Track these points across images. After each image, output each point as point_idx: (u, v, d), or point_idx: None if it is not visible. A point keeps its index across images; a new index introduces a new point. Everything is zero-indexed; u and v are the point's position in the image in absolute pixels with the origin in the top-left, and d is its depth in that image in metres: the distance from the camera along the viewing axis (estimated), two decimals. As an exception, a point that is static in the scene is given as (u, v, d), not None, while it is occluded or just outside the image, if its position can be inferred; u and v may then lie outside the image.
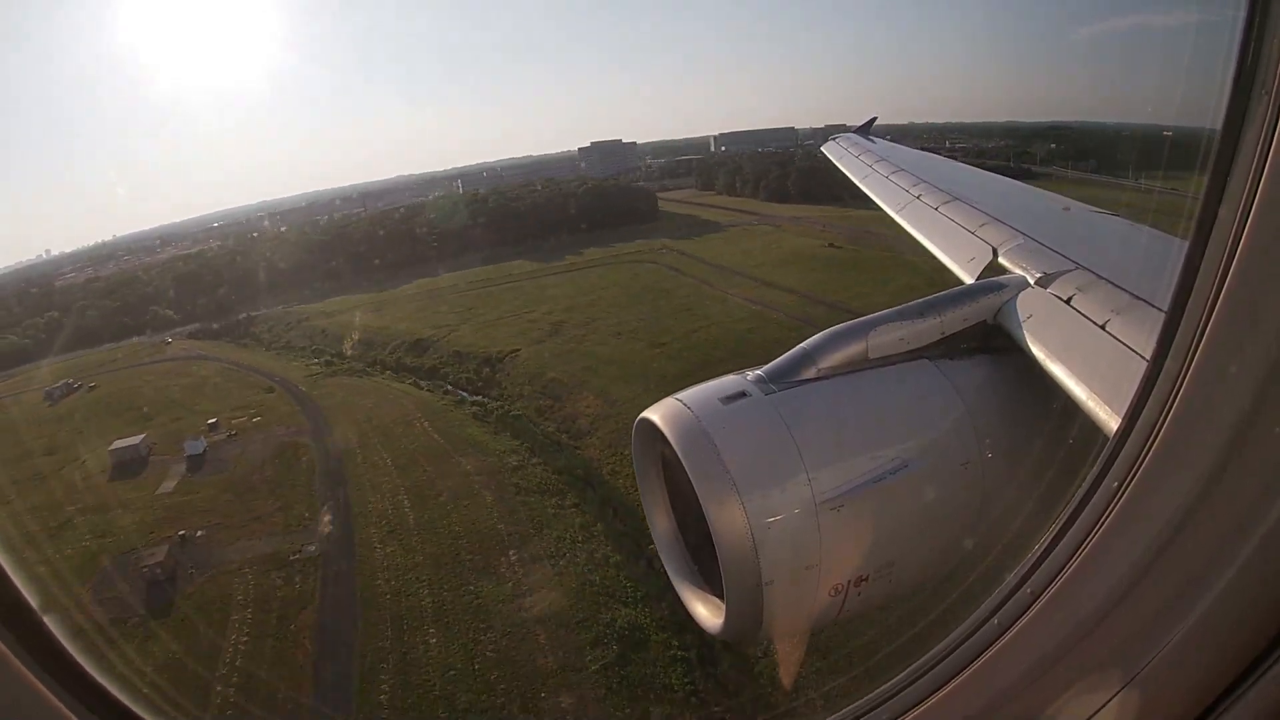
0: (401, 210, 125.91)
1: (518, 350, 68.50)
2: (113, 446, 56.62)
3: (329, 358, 76.37)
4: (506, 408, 58.43)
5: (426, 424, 57.41)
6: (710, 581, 3.60)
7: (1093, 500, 1.86)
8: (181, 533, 45.34)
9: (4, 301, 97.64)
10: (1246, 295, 1.52)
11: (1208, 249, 1.61)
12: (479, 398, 62.23)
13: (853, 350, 3.62)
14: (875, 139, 11.60)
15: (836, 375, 3.58)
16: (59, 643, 1.83)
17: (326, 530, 44.60)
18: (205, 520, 46.84)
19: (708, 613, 3.54)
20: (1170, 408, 1.66)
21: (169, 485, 52.38)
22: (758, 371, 3.61)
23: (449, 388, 65.46)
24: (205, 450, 55.96)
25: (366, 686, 31.73)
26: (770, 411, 3.40)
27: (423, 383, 66.80)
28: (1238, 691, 1.55)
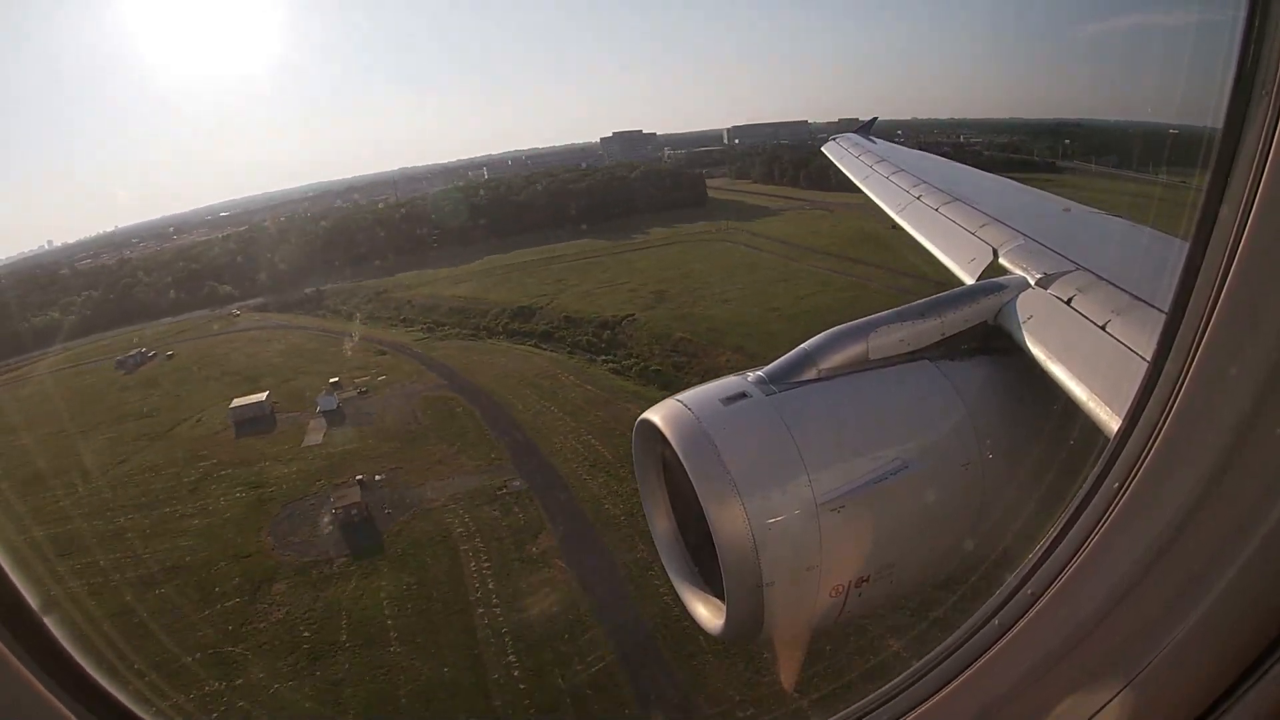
0: (456, 192, 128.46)
1: (632, 315, 70.12)
2: (234, 405, 58.38)
3: (429, 324, 78.48)
4: (643, 364, 60.28)
5: (570, 377, 59.68)
6: (711, 582, 3.60)
7: (1093, 501, 1.86)
8: (359, 478, 46.66)
9: (36, 282, 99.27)
10: (1247, 296, 1.52)
11: (1208, 250, 1.61)
12: (606, 357, 63.78)
13: (853, 351, 3.62)
14: (875, 139, 11.61)
15: (837, 376, 3.58)
16: (58, 643, 1.83)
17: (525, 468, 45.95)
18: (378, 467, 48.31)
19: (708, 613, 3.53)
20: (1171, 409, 1.66)
21: (315, 438, 54.08)
22: (758, 372, 3.61)
23: (571, 349, 67.15)
24: (339, 406, 57.70)
25: (639, 589, 33.13)
26: (771, 412, 3.40)
27: (542, 345, 68.78)
28: (1238, 692, 1.55)
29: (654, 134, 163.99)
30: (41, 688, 1.70)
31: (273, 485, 48.34)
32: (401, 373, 64.99)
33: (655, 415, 3.51)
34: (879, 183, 8.68)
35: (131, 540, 43.44)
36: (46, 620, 1.83)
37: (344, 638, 34.46)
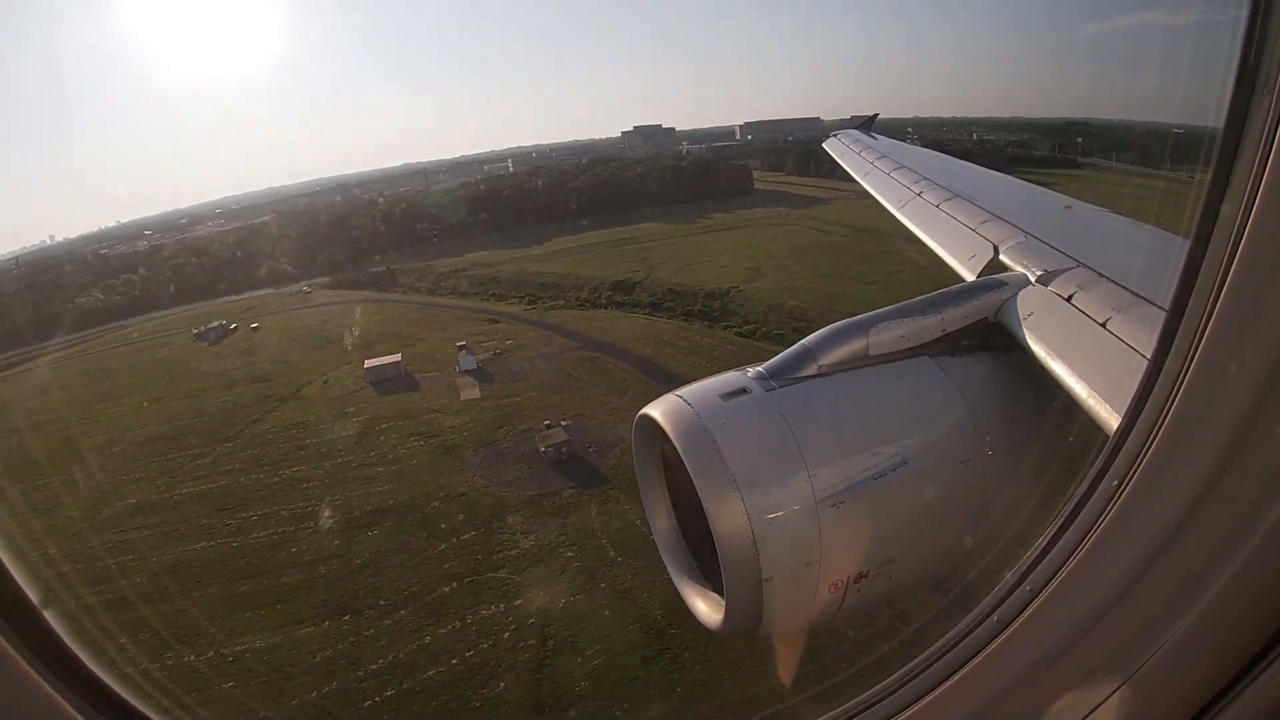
0: (511, 178, 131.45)
1: (737, 287, 71.19)
2: (368, 365, 60.29)
3: (525, 297, 79.90)
4: (765, 329, 61.76)
5: (703, 339, 61.64)
6: (710, 578, 3.60)
7: (1092, 499, 1.86)
8: (546, 423, 48.04)
9: (82, 264, 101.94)
10: (1248, 294, 1.52)
11: (1209, 248, 1.61)
12: (725, 324, 65.01)
13: (854, 347, 3.62)
14: (877, 135, 11.59)
15: (837, 372, 3.58)
16: (59, 637, 1.83)
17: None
18: (558, 415, 49.87)
19: (708, 609, 3.54)
20: (1171, 407, 1.66)
21: (471, 393, 55.96)
22: (758, 368, 3.61)
23: (685, 317, 68.46)
24: (480, 365, 59.66)
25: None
26: (771, 408, 3.40)
27: (655, 314, 70.40)
28: (1235, 691, 1.55)
29: (673, 129, 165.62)
30: (42, 683, 1.71)
31: (449, 434, 49.50)
32: (527, 338, 66.68)
33: (655, 410, 3.52)
34: (880, 179, 8.67)
35: (311, 489, 44.59)
36: (46, 615, 1.83)
37: (613, 554, 35.27)
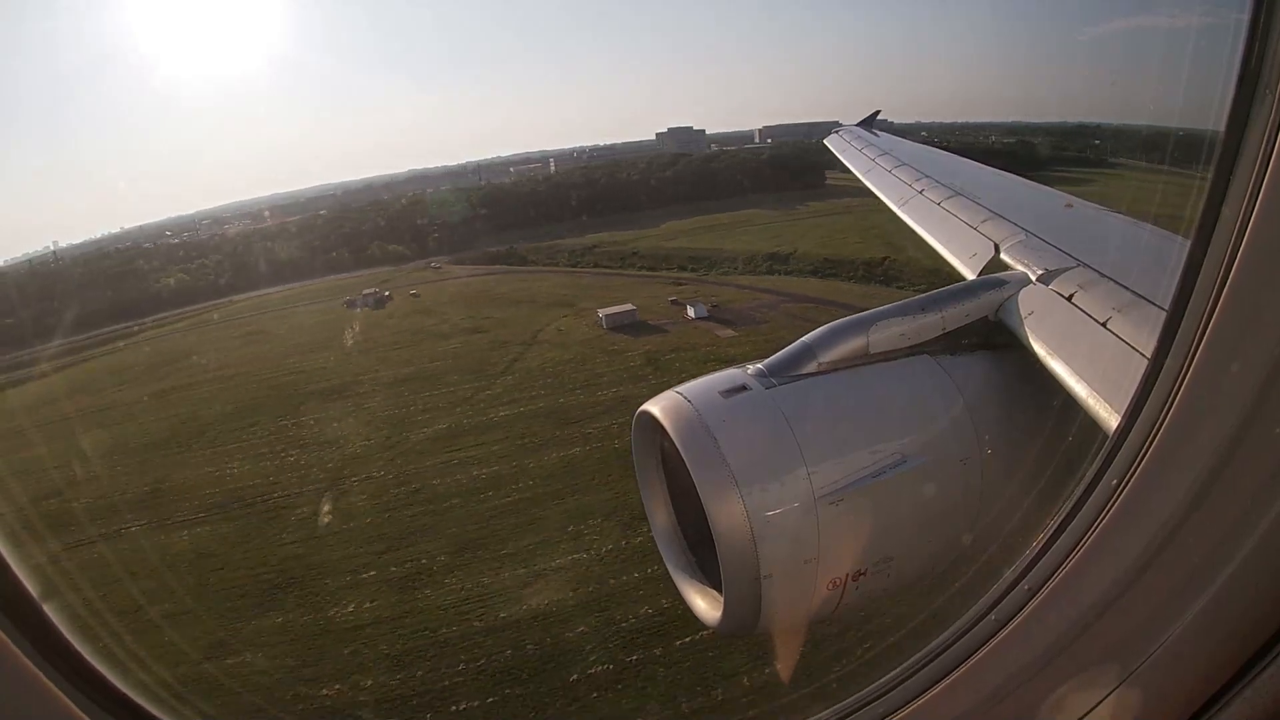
0: (607, 167, 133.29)
1: (888, 257, 70.26)
2: (603, 313, 62.33)
3: (678, 268, 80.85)
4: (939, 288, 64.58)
5: (896, 293, 63.66)
6: (709, 575, 3.61)
7: (1092, 497, 1.86)
8: None
9: (163, 247, 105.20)
10: (1248, 294, 1.52)
11: (1210, 247, 1.61)
12: (899, 285, 63.42)
13: (854, 345, 3.62)
14: (878, 132, 11.57)
15: (837, 370, 3.58)
16: (59, 632, 1.84)
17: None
18: None
19: (706, 606, 3.55)
20: (1170, 406, 1.67)
21: (726, 332, 57.22)
22: (758, 365, 3.62)
23: (854, 281, 68.62)
24: (710, 313, 61.24)
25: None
26: (770, 406, 3.40)
27: (827, 279, 70.59)
28: (1234, 690, 1.56)
29: (703, 130, 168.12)
30: (43, 678, 1.71)
31: (748, 360, 50.98)
32: (726, 295, 66.80)
33: (654, 407, 3.52)
34: (881, 176, 8.67)
35: (626, 409, 44.80)
36: (47, 610, 1.84)
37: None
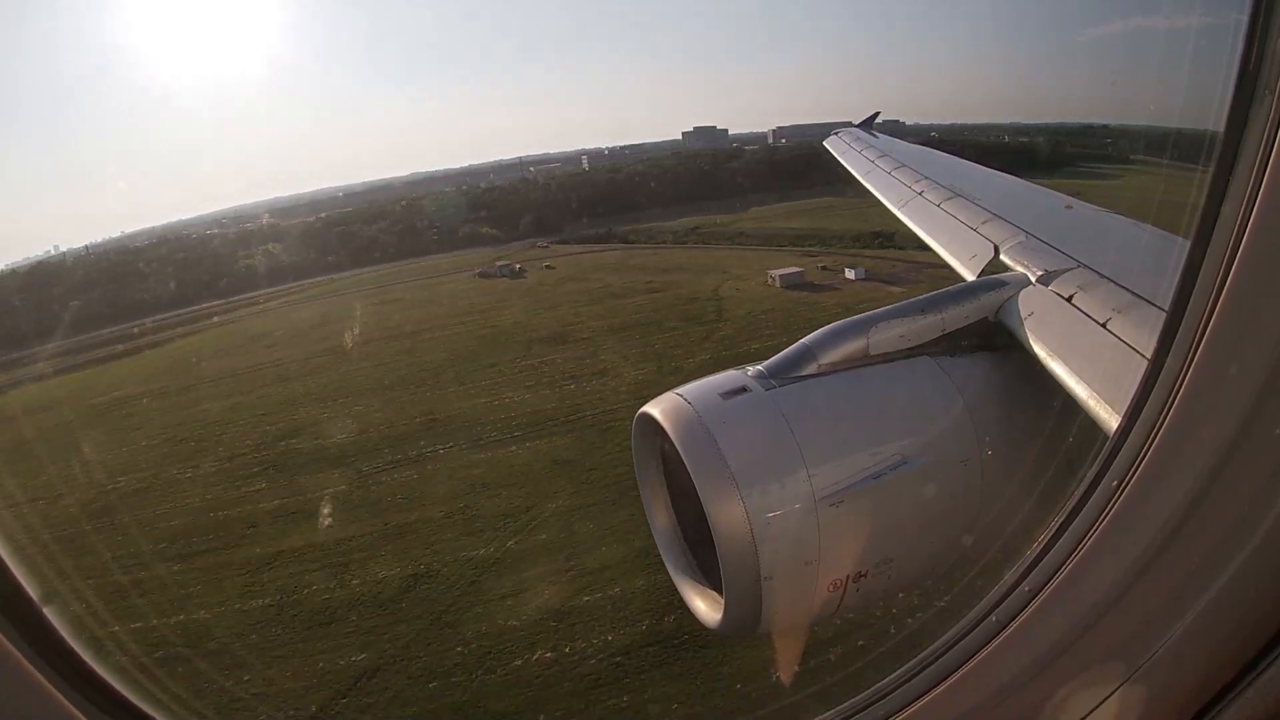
0: (680, 158, 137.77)
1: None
2: (776, 272, 65.45)
3: (784, 244, 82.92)
4: None
5: None
6: (710, 577, 3.61)
7: (1092, 498, 1.86)
8: None
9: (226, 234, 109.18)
10: (1248, 295, 1.52)
11: (1209, 248, 1.61)
12: None
13: (854, 346, 3.62)
14: (877, 134, 11.58)
15: (837, 371, 3.58)
16: (58, 633, 1.84)
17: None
18: None
19: (707, 608, 3.55)
20: (1170, 407, 1.67)
21: (896, 289, 59.03)
22: (758, 367, 3.61)
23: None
24: (867, 275, 64.59)
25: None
26: (771, 407, 3.40)
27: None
28: (1235, 690, 1.56)
29: (726, 130, 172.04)
30: (41, 679, 1.71)
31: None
32: (866, 262, 68.45)
33: (655, 409, 3.52)
34: (881, 178, 8.67)
35: None
36: (46, 611, 1.84)
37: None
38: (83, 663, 1.86)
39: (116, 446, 44.42)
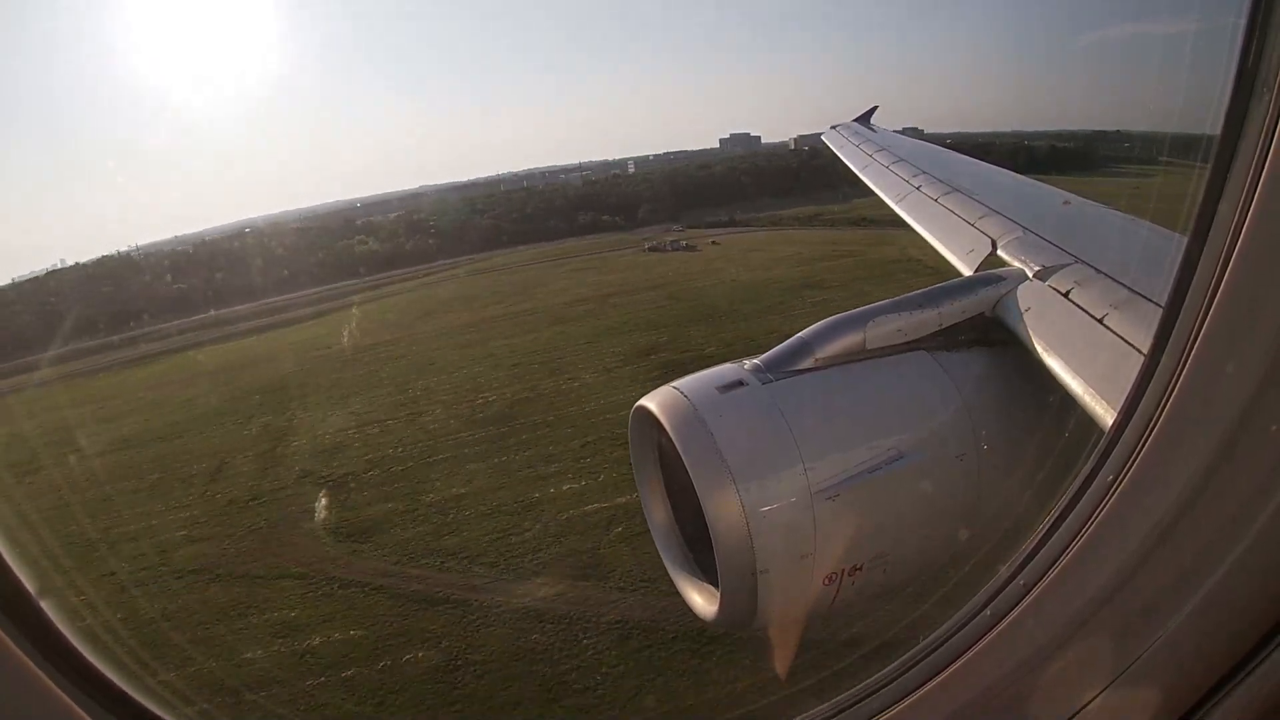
0: (764, 156, 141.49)
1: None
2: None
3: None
4: None
5: None
6: (706, 570, 3.62)
7: (1088, 493, 1.87)
8: None
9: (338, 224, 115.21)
10: (1244, 292, 1.53)
11: (1206, 245, 1.61)
12: None
13: (850, 340, 3.63)
14: (876, 128, 11.56)
15: (834, 365, 3.59)
16: (57, 629, 1.83)
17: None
18: None
19: (703, 601, 3.56)
20: (1167, 402, 1.67)
21: None
22: (755, 360, 3.62)
23: None
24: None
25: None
26: (767, 401, 3.41)
27: None
28: (1230, 684, 1.57)
29: (759, 136, 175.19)
30: (41, 675, 1.71)
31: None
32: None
33: (651, 402, 3.52)
34: (878, 172, 8.67)
35: None
36: (44, 606, 1.83)
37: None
38: (83, 659, 1.85)
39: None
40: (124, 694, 1.92)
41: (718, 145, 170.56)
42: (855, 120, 12.40)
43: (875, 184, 8.47)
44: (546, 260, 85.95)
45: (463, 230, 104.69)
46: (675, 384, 3.56)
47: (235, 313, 69.12)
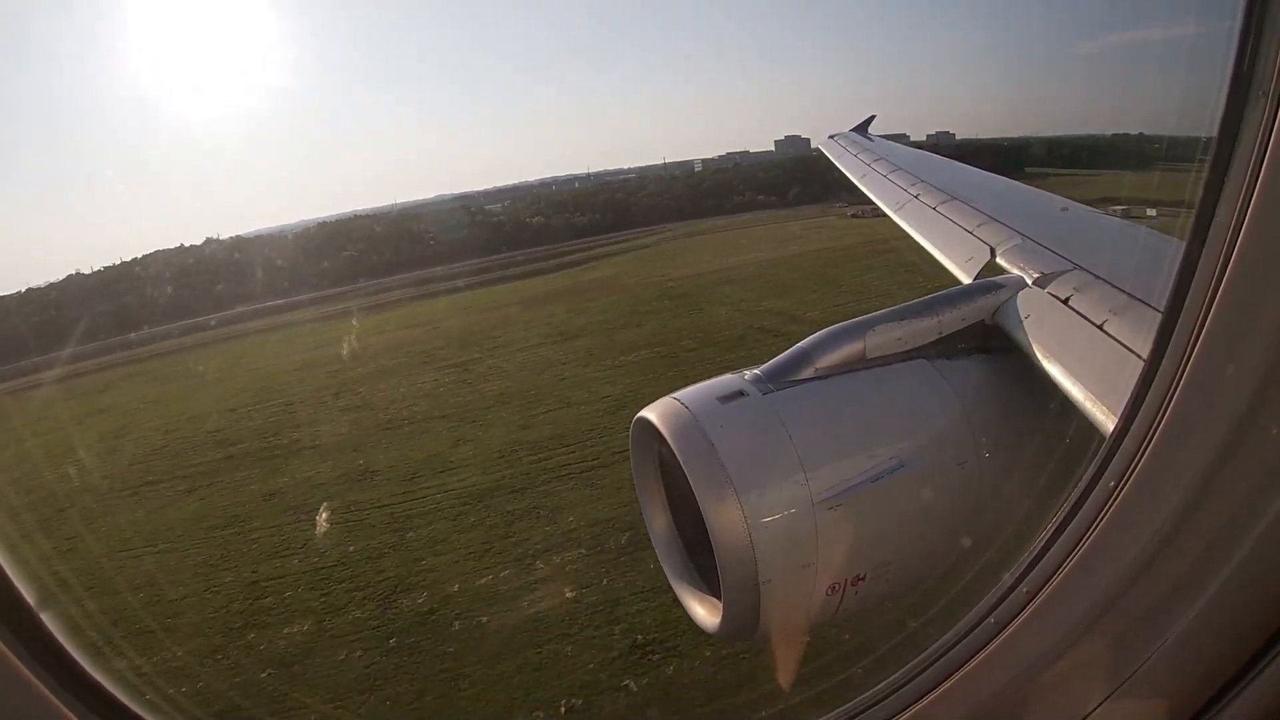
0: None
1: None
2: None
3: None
4: None
5: None
6: (708, 581, 3.60)
7: (1089, 500, 1.86)
8: None
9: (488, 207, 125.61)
10: (1243, 296, 1.53)
11: (1205, 250, 1.62)
12: None
13: (851, 350, 3.62)
14: (873, 137, 11.61)
15: (834, 375, 3.59)
16: (54, 638, 1.83)
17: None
18: None
19: (705, 612, 3.54)
20: (1167, 408, 1.67)
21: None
22: (755, 371, 3.61)
23: None
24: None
25: None
26: (768, 411, 3.40)
27: None
28: (1234, 690, 1.56)
29: (808, 139, 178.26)
30: (38, 683, 1.70)
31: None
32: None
33: (652, 414, 3.51)
34: (877, 181, 8.69)
35: None
36: (43, 617, 1.83)
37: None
38: (77, 665, 1.85)
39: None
40: (119, 702, 1.91)
41: (773, 148, 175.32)
42: (852, 130, 12.45)
43: (873, 193, 8.49)
44: (772, 222, 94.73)
45: (690, 198, 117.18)
46: (675, 394, 3.55)
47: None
